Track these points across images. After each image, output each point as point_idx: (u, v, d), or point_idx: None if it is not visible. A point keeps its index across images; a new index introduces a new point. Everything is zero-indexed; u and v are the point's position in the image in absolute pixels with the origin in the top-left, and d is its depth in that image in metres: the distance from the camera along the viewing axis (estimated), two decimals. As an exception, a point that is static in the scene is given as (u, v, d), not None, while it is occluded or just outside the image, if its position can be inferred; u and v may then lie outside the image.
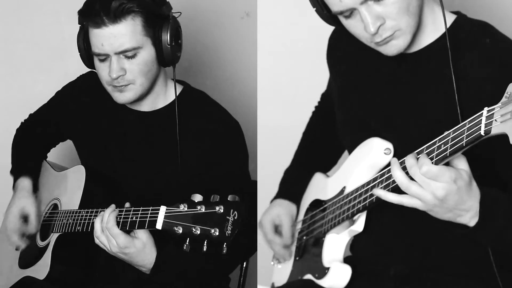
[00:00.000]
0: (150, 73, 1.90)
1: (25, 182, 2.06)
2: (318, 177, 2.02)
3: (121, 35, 1.82)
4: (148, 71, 1.89)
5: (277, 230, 2.05)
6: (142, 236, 1.77)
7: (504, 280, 1.66)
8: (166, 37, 1.86)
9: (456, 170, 1.48)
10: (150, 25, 1.84)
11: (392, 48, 1.63)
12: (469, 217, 1.53)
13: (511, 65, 1.59)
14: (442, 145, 1.48)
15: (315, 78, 2.24)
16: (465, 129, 1.43)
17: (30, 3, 2.69)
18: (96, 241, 1.81)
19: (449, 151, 1.46)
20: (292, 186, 2.09)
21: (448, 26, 1.67)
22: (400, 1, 1.58)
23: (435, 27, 1.68)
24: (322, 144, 2.11)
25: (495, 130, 1.36)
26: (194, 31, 2.72)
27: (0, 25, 2.69)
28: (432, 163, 1.48)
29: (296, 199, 2.06)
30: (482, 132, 1.39)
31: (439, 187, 1.47)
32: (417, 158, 1.51)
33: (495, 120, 1.36)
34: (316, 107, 2.17)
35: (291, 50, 2.66)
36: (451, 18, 1.70)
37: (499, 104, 1.36)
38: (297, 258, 1.99)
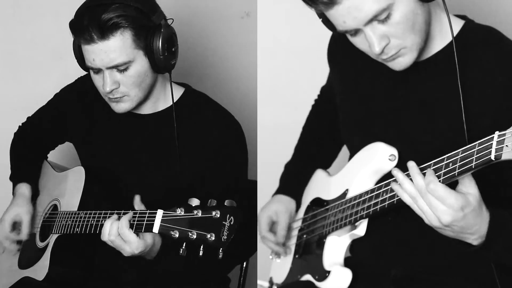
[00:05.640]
0: (144, 83, 1.90)
1: (23, 189, 2.07)
2: (319, 175, 2.02)
3: (111, 51, 1.81)
4: (142, 82, 1.89)
5: (273, 226, 2.05)
6: (148, 237, 1.77)
7: (503, 282, 1.66)
8: (158, 47, 1.84)
9: (464, 196, 1.48)
10: (140, 37, 1.83)
11: (398, 65, 1.64)
12: (474, 238, 1.53)
13: None
14: (451, 164, 1.47)
15: (315, 78, 2.24)
16: (474, 151, 1.42)
17: (30, 3, 2.69)
18: (109, 243, 1.77)
19: (457, 171, 1.46)
20: (292, 181, 2.09)
21: (455, 33, 1.67)
22: (405, 21, 1.57)
23: (442, 36, 1.68)
24: (321, 139, 2.11)
25: (506, 156, 1.36)
26: (194, 31, 2.72)
27: (0, 25, 2.69)
28: (440, 181, 1.48)
29: (296, 195, 2.06)
30: (492, 157, 1.38)
31: (445, 212, 1.48)
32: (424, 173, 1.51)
33: (506, 146, 1.35)
34: (315, 100, 2.17)
35: (291, 50, 2.66)
36: (458, 25, 1.70)
37: (511, 129, 1.35)
38: (297, 256, 1.99)
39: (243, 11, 2.72)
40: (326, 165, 2.12)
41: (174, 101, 1.97)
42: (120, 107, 1.91)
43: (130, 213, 1.75)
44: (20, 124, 2.25)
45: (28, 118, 2.24)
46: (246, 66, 2.72)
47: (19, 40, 2.70)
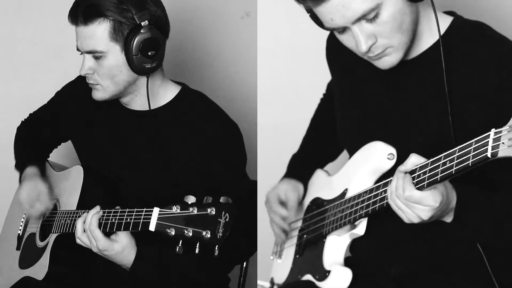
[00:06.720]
0: (117, 78, 1.91)
1: (33, 169, 2.08)
2: (319, 174, 2.02)
3: (87, 36, 1.86)
4: (114, 75, 1.90)
5: (282, 205, 2.04)
6: (123, 239, 1.79)
7: (500, 280, 1.67)
8: (132, 46, 1.85)
9: (438, 191, 1.51)
10: (119, 32, 1.86)
11: (384, 64, 1.65)
12: (448, 216, 1.58)
13: (509, 67, 1.59)
14: (448, 162, 1.47)
15: (315, 78, 2.24)
16: (471, 149, 1.43)
17: (30, 3, 2.69)
18: (78, 241, 1.83)
19: (454, 169, 1.46)
20: (299, 167, 2.09)
21: (444, 30, 1.68)
22: (392, 20, 1.58)
23: (431, 33, 1.68)
24: (327, 132, 2.11)
25: (502, 153, 1.36)
26: (194, 31, 2.72)
27: (0, 25, 2.69)
28: (437, 179, 1.49)
29: (303, 179, 2.05)
30: (488, 154, 1.38)
31: (424, 209, 1.52)
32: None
33: (503, 143, 1.35)
34: (323, 94, 2.18)
35: (291, 50, 2.66)
36: (446, 22, 1.70)
37: (507, 127, 1.36)
38: (297, 256, 1.99)
39: (243, 11, 2.72)
40: (332, 157, 2.13)
41: (170, 99, 1.98)
42: (95, 95, 1.95)
43: (100, 212, 1.79)
44: (23, 120, 2.27)
45: (30, 114, 2.25)
46: (246, 66, 2.72)
47: (20, 40, 2.70)
